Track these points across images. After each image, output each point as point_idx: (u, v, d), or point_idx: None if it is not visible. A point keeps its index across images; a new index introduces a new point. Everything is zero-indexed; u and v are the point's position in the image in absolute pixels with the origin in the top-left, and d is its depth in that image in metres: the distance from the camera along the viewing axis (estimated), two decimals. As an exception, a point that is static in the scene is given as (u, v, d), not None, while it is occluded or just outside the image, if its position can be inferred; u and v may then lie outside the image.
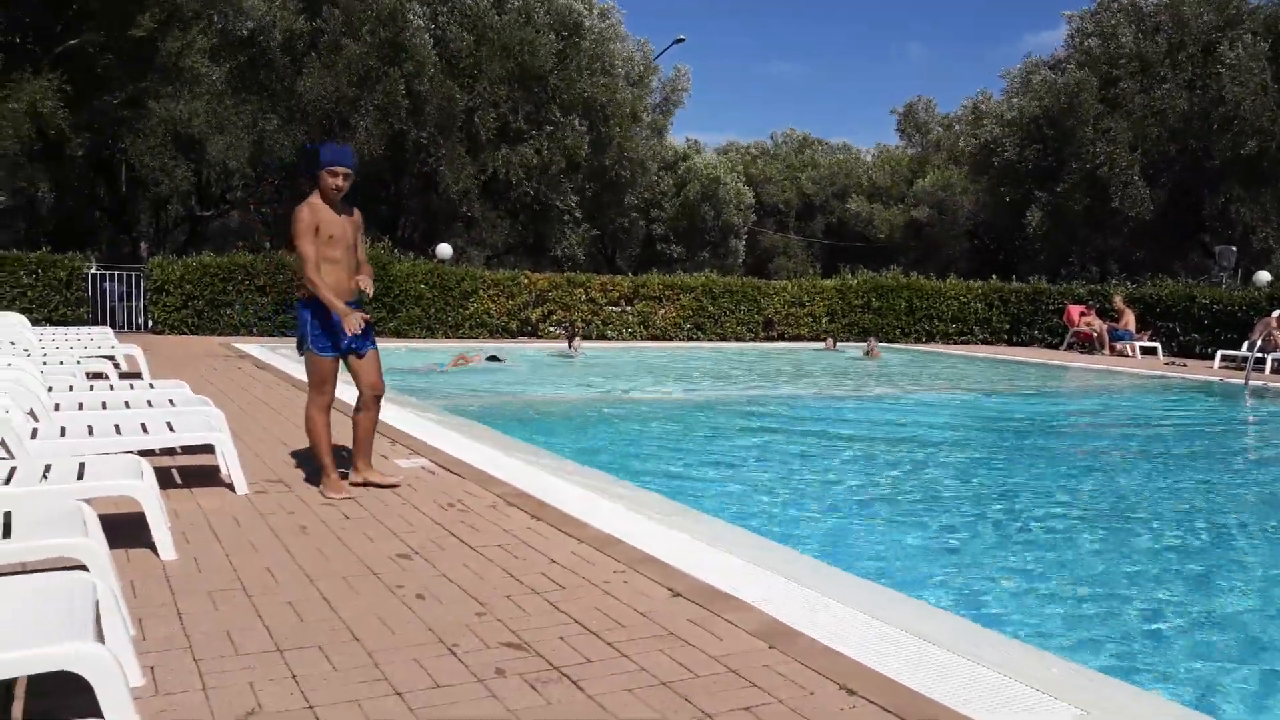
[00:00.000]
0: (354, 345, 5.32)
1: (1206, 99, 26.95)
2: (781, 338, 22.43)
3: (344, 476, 5.49)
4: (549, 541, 4.53)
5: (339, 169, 5.17)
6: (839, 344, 21.24)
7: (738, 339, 21.91)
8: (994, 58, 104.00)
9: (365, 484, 5.49)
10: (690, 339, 21.44)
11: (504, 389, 12.53)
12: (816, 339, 21.95)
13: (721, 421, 10.38)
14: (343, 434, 5.87)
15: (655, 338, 20.79)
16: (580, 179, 26.42)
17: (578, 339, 18.26)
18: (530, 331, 20.31)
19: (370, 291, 5.35)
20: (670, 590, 3.86)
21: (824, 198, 44.65)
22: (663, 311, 21.49)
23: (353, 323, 5.12)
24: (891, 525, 5.89)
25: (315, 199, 5.22)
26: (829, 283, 23.74)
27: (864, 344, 19.91)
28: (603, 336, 20.74)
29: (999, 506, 6.46)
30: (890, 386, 14.13)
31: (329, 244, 5.17)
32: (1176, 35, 28.23)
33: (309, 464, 6.14)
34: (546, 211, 27.49)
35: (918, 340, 22.68)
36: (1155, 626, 4.27)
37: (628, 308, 21.27)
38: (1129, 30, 28.73)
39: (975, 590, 4.68)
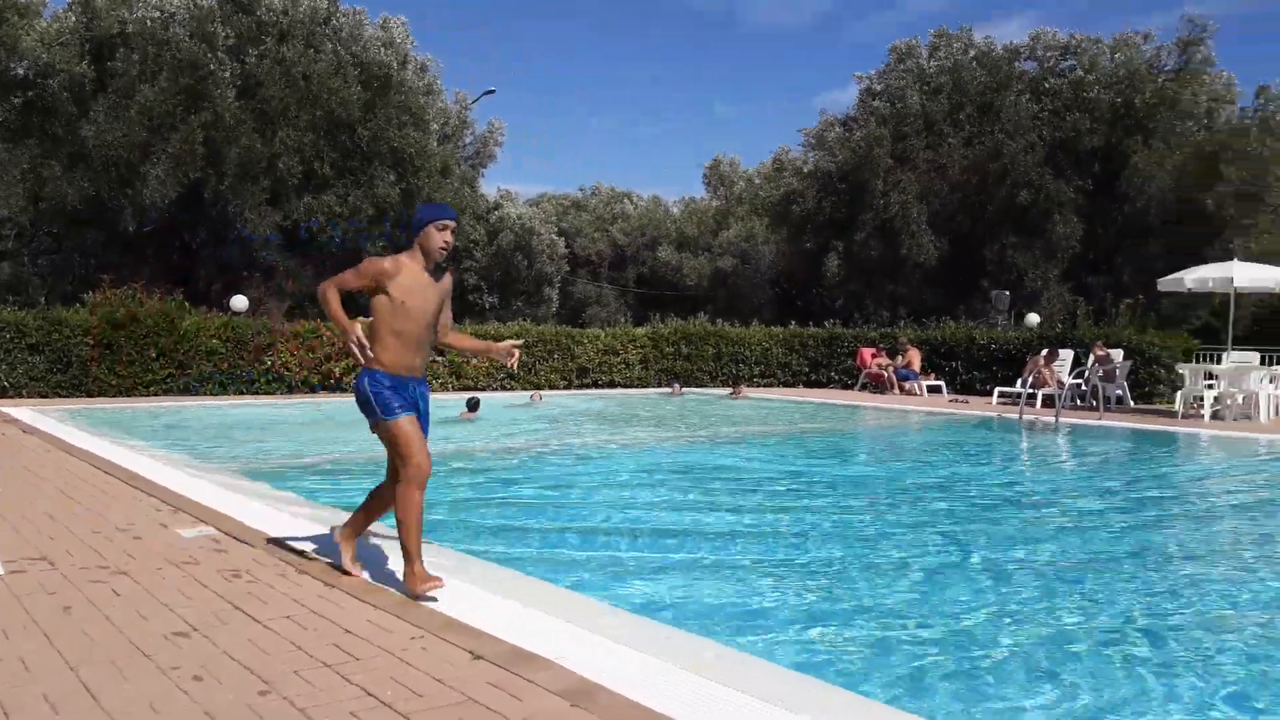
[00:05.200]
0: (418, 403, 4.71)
1: (983, 154, 29.24)
2: (595, 385, 22.56)
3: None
4: (342, 610, 4.31)
5: (448, 223, 4.65)
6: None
7: (551, 387, 21.87)
8: (792, 114, 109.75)
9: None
10: (504, 389, 21.24)
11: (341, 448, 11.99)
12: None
13: (536, 469, 10.27)
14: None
15: (468, 388, 20.47)
16: (389, 227, 25.91)
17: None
18: (334, 386, 19.60)
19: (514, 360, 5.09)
20: (471, 654, 3.74)
21: (635, 248, 45.57)
22: (475, 361, 21.21)
23: (354, 338, 4.57)
24: (706, 571, 5.87)
25: (404, 257, 4.64)
26: (641, 331, 24.17)
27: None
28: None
29: (822, 544, 6.56)
30: (717, 428, 14.47)
31: (401, 312, 4.56)
32: (956, 96, 30.56)
33: (75, 537, 5.66)
34: (355, 260, 26.77)
35: (724, 384, 23.32)
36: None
37: (438, 358, 20.88)
38: (914, 91, 30.88)
39: (796, 638, 4.66)
